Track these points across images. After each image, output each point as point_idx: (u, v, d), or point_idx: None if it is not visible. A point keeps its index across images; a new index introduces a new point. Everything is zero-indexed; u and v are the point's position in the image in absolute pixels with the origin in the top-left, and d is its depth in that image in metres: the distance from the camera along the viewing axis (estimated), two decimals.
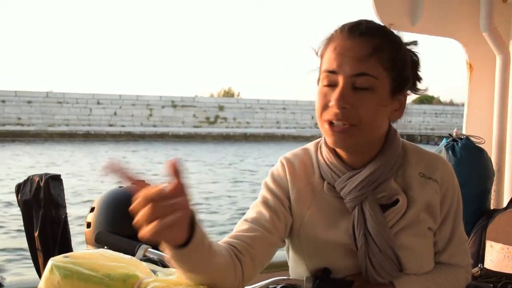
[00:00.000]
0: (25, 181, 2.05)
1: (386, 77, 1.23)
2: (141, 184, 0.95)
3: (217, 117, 35.06)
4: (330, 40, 1.28)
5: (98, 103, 32.80)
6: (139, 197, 0.94)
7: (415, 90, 1.34)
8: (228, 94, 55.22)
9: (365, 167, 1.29)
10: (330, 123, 1.24)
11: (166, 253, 1.04)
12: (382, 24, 1.31)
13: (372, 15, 2.68)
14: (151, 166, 18.22)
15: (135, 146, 27.28)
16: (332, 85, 1.24)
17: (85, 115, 32.45)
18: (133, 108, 33.56)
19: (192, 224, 1.01)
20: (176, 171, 0.93)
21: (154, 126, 33.59)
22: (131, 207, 0.94)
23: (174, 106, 34.42)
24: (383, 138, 1.33)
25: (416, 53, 1.32)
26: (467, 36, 2.83)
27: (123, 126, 32.87)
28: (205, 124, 35.00)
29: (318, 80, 1.30)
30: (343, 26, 1.27)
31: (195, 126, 34.56)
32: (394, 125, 1.36)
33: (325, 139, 1.34)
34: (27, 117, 31.40)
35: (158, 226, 0.92)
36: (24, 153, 22.34)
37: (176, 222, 0.94)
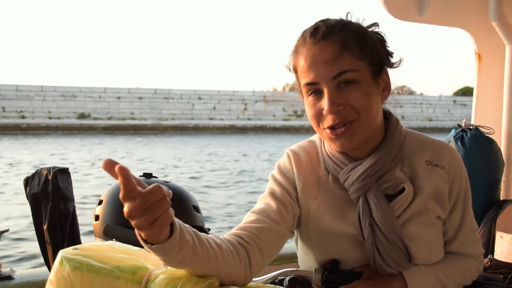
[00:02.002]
0: (33, 175, 2.05)
1: (363, 65, 1.23)
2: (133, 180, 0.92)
3: (304, 110, 37.82)
4: (296, 52, 1.29)
5: (200, 99, 35.49)
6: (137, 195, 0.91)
7: (391, 65, 1.33)
8: None
9: (367, 158, 1.29)
10: (331, 129, 1.24)
11: (157, 254, 1.03)
12: (341, 19, 1.29)
13: (379, 6, 2.66)
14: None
15: (245, 137, 29.62)
16: (316, 92, 1.25)
17: (188, 110, 35.19)
18: (230, 103, 36.13)
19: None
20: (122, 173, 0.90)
21: (249, 119, 35.69)
22: (129, 211, 0.92)
23: (266, 101, 37.67)
24: (384, 129, 1.33)
25: (379, 32, 1.32)
26: (476, 26, 2.80)
27: (221, 119, 35.22)
28: (293, 117, 36.84)
29: (301, 93, 1.31)
30: (303, 34, 1.28)
31: (284, 119, 36.52)
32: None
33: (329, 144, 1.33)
34: (139, 112, 34.39)
35: (163, 223, 0.94)
36: (177, 143, 25.03)
37: (167, 220, 0.96)
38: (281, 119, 36.60)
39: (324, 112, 1.23)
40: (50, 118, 31.61)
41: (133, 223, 0.94)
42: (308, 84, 1.25)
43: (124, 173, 0.89)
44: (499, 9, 2.61)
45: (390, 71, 1.34)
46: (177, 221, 1.04)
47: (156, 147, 22.85)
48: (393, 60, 1.33)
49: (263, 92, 38.50)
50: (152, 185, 0.92)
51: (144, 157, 18.51)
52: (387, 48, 1.32)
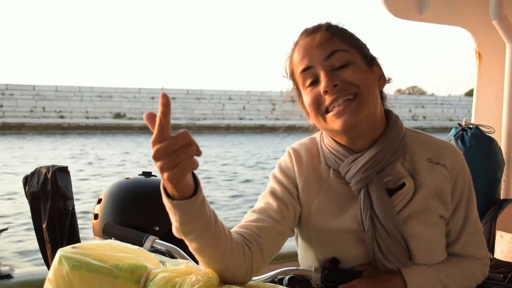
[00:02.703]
0: (32, 173, 2.05)
1: (353, 50, 1.29)
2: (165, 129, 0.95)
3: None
4: (291, 56, 1.35)
5: (230, 99, 36.39)
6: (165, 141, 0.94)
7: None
8: None
9: (368, 149, 1.29)
10: (332, 109, 1.25)
11: (175, 214, 1.04)
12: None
13: (380, 5, 2.65)
14: None
15: (276, 137, 30.22)
16: (313, 81, 1.28)
17: (219, 110, 36.14)
18: (259, 103, 37.08)
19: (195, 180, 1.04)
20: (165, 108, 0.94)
21: (277, 119, 36.44)
22: (156, 151, 0.95)
23: (293, 101, 36.49)
24: (384, 123, 1.33)
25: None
26: (476, 25, 2.80)
27: (251, 119, 36.17)
28: None
29: (299, 99, 1.35)
30: (295, 40, 1.35)
31: None
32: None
33: (329, 134, 1.34)
34: (172, 112, 32.93)
35: (185, 166, 0.95)
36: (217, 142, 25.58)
37: (189, 165, 0.96)
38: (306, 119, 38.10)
39: (322, 90, 1.25)
40: (87, 117, 32.82)
41: (157, 164, 0.96)
42: (304, 70, 1.28)
43: (166, 108, 0.94)
44: (499, 8, 2.60)
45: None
46: (202, 190, 1.06)
47: (212, 146, 23.36)
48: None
49: (291, 92, 39.35)
50: (180, 130, 0.95)
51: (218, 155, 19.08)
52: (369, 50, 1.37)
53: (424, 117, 38.67)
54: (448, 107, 39.97)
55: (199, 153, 0.96)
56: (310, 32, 1.31)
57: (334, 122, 1.25)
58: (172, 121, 0.97)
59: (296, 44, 1.33)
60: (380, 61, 1.36)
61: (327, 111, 1.26)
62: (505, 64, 2.70)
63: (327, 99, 1.25)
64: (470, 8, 2.78)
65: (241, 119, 36.04)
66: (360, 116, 1.24)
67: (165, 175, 0.96)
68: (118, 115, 33.63)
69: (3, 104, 31.21)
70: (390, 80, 1.37)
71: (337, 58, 1.25)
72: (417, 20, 2.74)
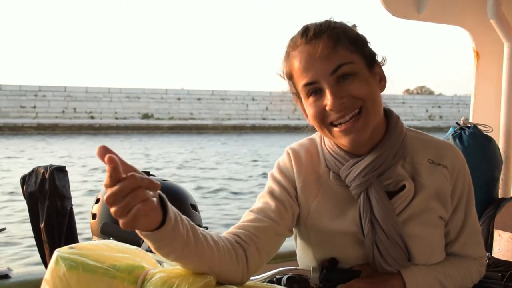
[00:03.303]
0: (30, 173, 2.04)
1: (357, 57, 1.25)
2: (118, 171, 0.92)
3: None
4: (288, 57, 1.29)
5: (253, 99, 37.07)
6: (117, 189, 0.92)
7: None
8: None
9: (369, 153, 1.28)
10: (338, 124, 1.23)
11: (147, 241, 1.04)
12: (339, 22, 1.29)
13: (377, 4, 2.65)
14: None
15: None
16: (316, 92, 1.24)
17: (242, 110, 36.93)
18: (281, 103, 36.74)
19: (163, 207, 1.02)
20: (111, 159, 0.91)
21: (299, 119, 37.36)
22: (106, 198, 0.92)
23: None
24: (385, 125, 1.32)
25: (361, 34, 1.33)
26: (474, 24, 2.79)
27: (273, 119, 36.92)
28: None
29: (297, 98, 1.32)
30: (292, 38, 1.29)
31: None
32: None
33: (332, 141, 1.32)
34: (197, 112, 36.20)
35: (137, 213, 0.93)
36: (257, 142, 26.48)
37: (152, 208, 0.95)
38: None
39: (327, 108, 1.22)
40: (116, 118, 33.81)
41: (111, 211, 0.93)
42: (308, 84, 1.24)
43: (113, 163, 0.90)
44: (497, 7, 2.60)
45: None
46: (174, 212, 1.04)
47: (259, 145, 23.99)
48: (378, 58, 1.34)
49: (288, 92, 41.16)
50: (128, 174, 0.92)
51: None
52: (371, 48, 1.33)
53: (441, 117, 39.25)
54: (464, 107, 40.38)
55: (154, 188, 0.95)
56: (311, 38, 1.24)
57: (341, 138, 1.25)
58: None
59: (295, 47, 1.27)
60: (380, 57, 1.34)
61: (332, 124, 1.25)
62: (503, 63, 2.69)
63: (333, 115, 1.23)
64: (468, 7, 2.77)
65: (264, 119, 36.69)
66: (366, 132, 1.24)
67: (121, 222, 0.94)
68: (146, 116, 34.62)
69: (36, 105, 32.25)
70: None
71: (341, 71, 1.22)
72: (415, 19, 2.73)
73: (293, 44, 1.28)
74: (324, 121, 1.25)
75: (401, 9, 2.68)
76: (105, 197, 0.92)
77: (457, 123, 2.46)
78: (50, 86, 33.27)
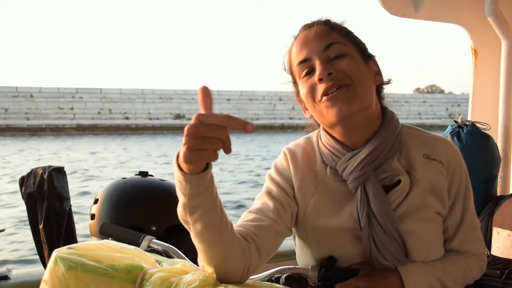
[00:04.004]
0: (29, 174, 2.04)
1: (351, 45, 1.31)
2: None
3: None
4: (289, 51, 1.36)
5: (280, 100, 37.58)
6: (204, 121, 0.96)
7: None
8: None
9: (365, 146, 1.29)
10: (326, 95, 1.25)
11: (186, 185, 1.04)
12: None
13: (375, 3, 2.65)
14: None
15: None
16: (309, 71, 1.29)
17: (270, 110, 38.09)
18: None
19: None
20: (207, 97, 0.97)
21: None
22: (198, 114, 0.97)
23: None
24: (380, 117, 1.33)
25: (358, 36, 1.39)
26: (472, 22, 2.79)
27: (300, 119, 38.55)
28: None
29: (297, 91, 1.36)
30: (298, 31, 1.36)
31: None
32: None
33: (326, 126, 1.34)
34: (227, 112, 34.95)
35: (206, 156, 0.97)
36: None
37: (208, 157, 0.97)
38: None
39: (316, 78, 1.26)
40: (150, 118, 35.38)
41: (184, 138, 0.96)
42: (301, 62, 1.30)
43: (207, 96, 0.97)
44: (494, 5, 2.60)
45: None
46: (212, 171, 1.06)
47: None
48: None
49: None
50: (223, 118, 0.95)
51: None
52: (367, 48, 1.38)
53: (460, 115, 40.06)
54: None
55: (227, 151, 0.97)
56: (308, 26, 1.33)
57: (329, 111, 1.26)
58: None
59: (295, 38, 1.35)
60: (380, 58, 1.37)
61: (322, 97, 1.26)
62: (501, 61, 2.70)
63: (322, 87, 1.25)
64: (466, 5, 2.78)
65: (291, 118, 37.25)
66: (352, 105, 1.24)
67: (186, 152, 0.96)
68: (178, 116, 35.96)
69: (73, 107, 33.86)
70: (391, 81, 1.38)
71: (333, 50, 1.27)
72: (413, 18, 2.73)
73: (293, 38, 1.36)
74: (315, 96, 1.28)
75: (399, 7, 2.68)
76: (191, 125, 0.95)
77: (455, 121, 2.47)
78: (87, 88, 34.83)
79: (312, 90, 1.28)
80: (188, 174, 1.02)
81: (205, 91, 0.97)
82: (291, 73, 1.36)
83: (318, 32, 1.30)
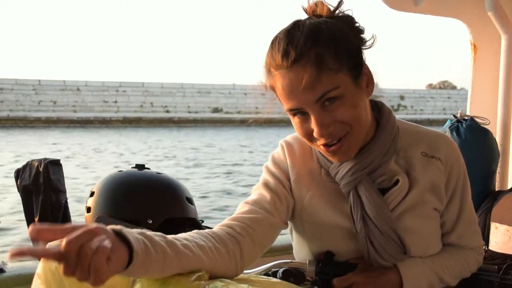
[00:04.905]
0: (24, 166, 2.03)
1: (343, 76, 1.14)
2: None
3: (399, 105, 41.78)
4: (269, 72, 1.20)
5: None
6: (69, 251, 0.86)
7: (366, 46, 1.23)
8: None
9: (358, 153, 1.26)
10: (326, 146, 1.20)
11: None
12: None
13: None
14: None
15: None
16: (302, 114, 1.18)
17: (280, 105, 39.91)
18: None
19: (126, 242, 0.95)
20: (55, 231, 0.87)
21: None
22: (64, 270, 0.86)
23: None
24: (375, 122, 1.30)
25: (346, 14, 1.21)
26: (471, 16, 2.78)
27: None
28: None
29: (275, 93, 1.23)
30: (273, 52, 1.17)
31: None
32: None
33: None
34: (262, 106, 37.18)
35: (97, 266, 0.85)
36: None
37: (109, 251, 0.87)
38: None
39: (314, 135, 1.18)
40: (189, 112, 36.42)
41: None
42: (291, 110, 1.19)
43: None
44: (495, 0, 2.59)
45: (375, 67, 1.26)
46: (140, 241, 0.97)
47: None
48: (365, 36, 1.23)
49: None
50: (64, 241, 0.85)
51: None
52: (357, 26, 1.22)
53: (459, 110, 41.60)
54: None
55: (93, 233, 0.87)
56: (292, 62, 1.13)
57: (330, 156, 1.25)
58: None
59: (276, 67, 1.16)
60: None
61: (320, 145, 1.22)
62: (501, 56, 2.68)
63: (320, 140, 1.19)
64: (466, 0, 2.76)
65: None
66: (353, 152, 1.23)
67: (90, 284, 0.86)
68: (216, 110, 36.87)
69: (117, 100, 35.16)
70: (377, 85, 1.28)
71: (327, 97, 1.14)
72: (412, 12, 2.72)
73: (273, 61, 1.17)
74: (311, 140, 1.22)
75: (398, 1, 2.67)
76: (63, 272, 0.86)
77: (454, 116, 2.46)
78: (130, 82, 36.08)
79: (308, 136, 1.21)
80: (126, 270, 0.94)
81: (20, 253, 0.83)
82: (274, 92, 1.23)
83: (307, 79, 1.11)
